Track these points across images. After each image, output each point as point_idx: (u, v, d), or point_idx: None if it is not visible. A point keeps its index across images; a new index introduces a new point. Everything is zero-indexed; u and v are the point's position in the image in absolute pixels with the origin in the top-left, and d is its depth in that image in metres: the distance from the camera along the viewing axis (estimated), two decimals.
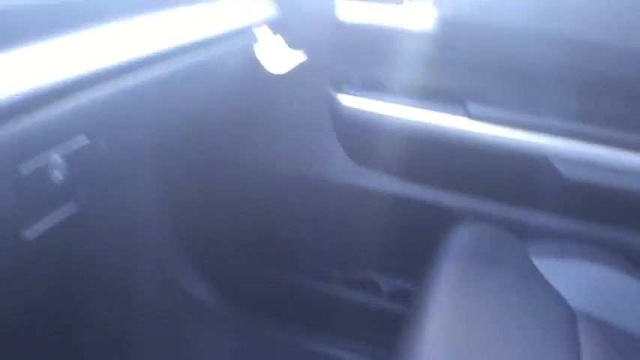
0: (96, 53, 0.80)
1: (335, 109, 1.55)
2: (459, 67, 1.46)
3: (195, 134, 1.23)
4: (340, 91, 1.55)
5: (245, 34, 1.25)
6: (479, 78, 1.47)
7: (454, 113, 1.46)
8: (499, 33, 1.36)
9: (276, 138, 1.62)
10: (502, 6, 1.34)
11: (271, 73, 1.27)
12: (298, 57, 1.39)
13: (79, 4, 0.80)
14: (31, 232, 0.74)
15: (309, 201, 1.66)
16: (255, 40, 1.27)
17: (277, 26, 1.39)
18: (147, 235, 1.61)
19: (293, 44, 1.42)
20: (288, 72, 1.34)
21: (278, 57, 1.34)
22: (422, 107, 1.49)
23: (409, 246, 1.61)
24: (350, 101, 1.54)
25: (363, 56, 1.53)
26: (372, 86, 1.55)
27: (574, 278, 1.25)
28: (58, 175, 0.75)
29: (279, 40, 1.38)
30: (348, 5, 1.46)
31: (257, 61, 1.25)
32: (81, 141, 0.78)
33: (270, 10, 1.38)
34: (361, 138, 1.58)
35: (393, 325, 1.18)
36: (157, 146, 1.04)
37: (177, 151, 1.21)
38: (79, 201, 0.82)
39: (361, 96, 1.54)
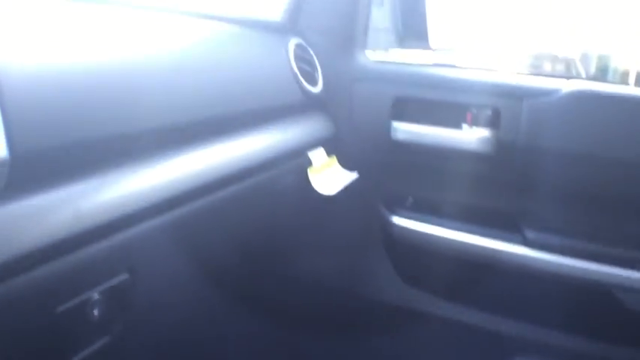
0: (142, 189, 0.81)
1: (387, 228, 1.53)
2: (516, 191, 1.43)
3: (246, 253, 1.23)
4: (393, 210, 1.53)
5: (300, 156, 1.26)
6: (535, 202, 1.43)
7: (510, 238, 1.42)
8: (558, 158, 1.34)
9: (327, 254, 1.61)
10: (561, 131, 1.32)
11: (322, 193, 1.27)
12: (352, 176, 1.39)
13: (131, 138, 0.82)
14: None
15: (357, 320, 1.62)
16: (310, 162, 1.27)
17: (332, 146, 1.40)
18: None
19: (347, 163, 1.42)
20: (342, 190, 1.33)
21: (332, 177, 1.34)
22: (476, 230, 1.45)
23: None
24: (402, 221, 1.52)
25: (416, 176, 1.52)
26: (425, 206, 1.53)
27: None
28: (94, 312, 0.74)
29: (333, 159, 1.39)
30: (403, 125, 1.46)
31: (309, 182, 1.25)
32: (121, 277, 0.77)
33: (325, 131, 1.40)
34: (413, 259, 1.55)
35: None
36: (201, 274, 1.03)
37: (225, 270, 1.20)
38: (114, 335, 0.81)
39: (414, 216, 1.52)
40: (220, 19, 1.13)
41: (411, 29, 1.76)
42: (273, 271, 1.50)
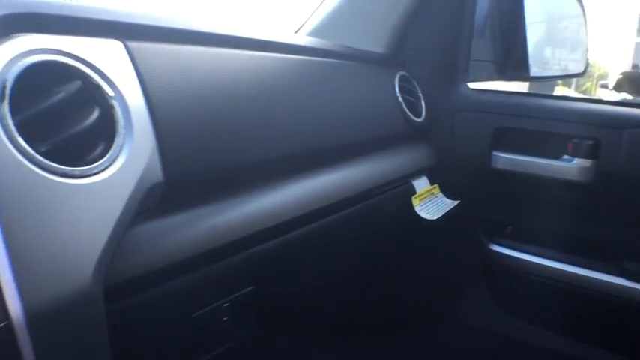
0: (268, 211, 0.90)
1: (486, 256, 1.56)
2: (615, 221, 1.43)
3: (350, 275, 1.30)
4: (492, 238, 1.56)
5: (404, 184, 1.33)
6: (635, 233, 1.42)
7: (609, 268, 1.42)
8: None
9: (424, 280, 1.65)
10: None
11: (426, 220, 1.32)
12: (453, 204, 1.44)
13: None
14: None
15: (453, 346, 1.65)
16: (413, 190, 1.34)
17: (434, 174, 1.46)
18: None
19: (448, 191, 1.48)
20: (442, 218, 1.38)
21: (434, 204, 1.40)
22: (575, 259, 1.47)
23: None
24: (501, 249, 1.55)
25: (516, 205, 1.55)
26: (524, 235, 1.55)
27: None
28: (224, 319, 0.84)
29: (435, 188, 1.44)
30: (503, 155, 1.50)
31: (412, 209, 1.31)
32: (247, 289, 0.86)
33: (428, 160, 1.46)
34: (511, 286, 1.57)
35: None
36: (314, 289, 1.12)
37: (332, 288, 1.27)
38: (239, 340, 0.90)
39: (513, 244, 1.54)
40: (332, 55, 1.22)
41: (512, 59, 1.79)
42: (372, 293, 1.57)
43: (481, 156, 1.49)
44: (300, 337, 1.20)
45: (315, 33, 1.56)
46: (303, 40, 1.20)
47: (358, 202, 1.14)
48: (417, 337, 1.67)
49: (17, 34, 0.66)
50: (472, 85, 1.63)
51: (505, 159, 1.48)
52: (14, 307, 0.55)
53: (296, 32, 1.65)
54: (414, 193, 1.34)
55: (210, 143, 0.81)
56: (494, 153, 1.48)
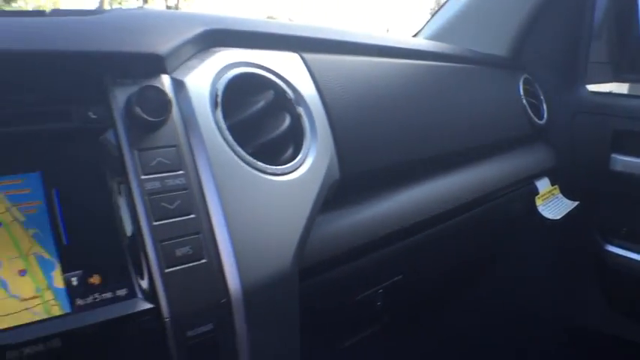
0: (415, 207, 0.99)
1: (601, 256, 1.58)
2: None
3: (473, 271, 1.37)
4: (607, 239, 1.58)
5: (528, 184, 1.38)
6: None
7: None
8: None
9: (539, 279, 1.69)
10: None
11: (546, 220, 1.37)
12: (573, 204, 1.48)
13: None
14: (347, 342, 0.93)
15: (565, 347, 1.68)
16: (536, 190, 1.39)
17: (555, 176, 1.50)
18: None
19: (567, 192, 1.51)
20: (561, 218, 1.43)
21: (555, 205, 1.44)
22: None
23: None
24: (617, 250, 1.57)
25: (633, 207, 1.56)
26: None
27: None
28: (378, 304, 0.93)
29: (556, 188, 1.49)
30: (622, 157, 1.52)
31: (535, 209, 1.36)
32: (397, 278, 0.95)
33: (549, 161, 1.50)
34: (625, 287, 1.59)
35: None
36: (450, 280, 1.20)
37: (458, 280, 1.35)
38: (382, 324, 0.99)
39: (629, 246, 1.56)
40: (460, 59, 1.28)
41: (628, 60, 1.79)
42: (487, 288, 1.62)
43: (600, 158, 1.51)
44: (426, 329, 1.28)
45: (436, 37, 1.63)
46: (435, 46, 1.27)
47: (487, 201, 1.20)
48: (524, 335, 1.71)
49: (217, 48, 0.77)
50: (590, 87, 1.64)
51: (624, 161, 1.50)
52: (234, 286, 0.65)
53: (414, 35, 1.72)
54: (537, 193, 1.39)
55: (373, 145, 0.90)
56: (614, 155, 1.51)
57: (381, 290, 0.92)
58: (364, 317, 0.93)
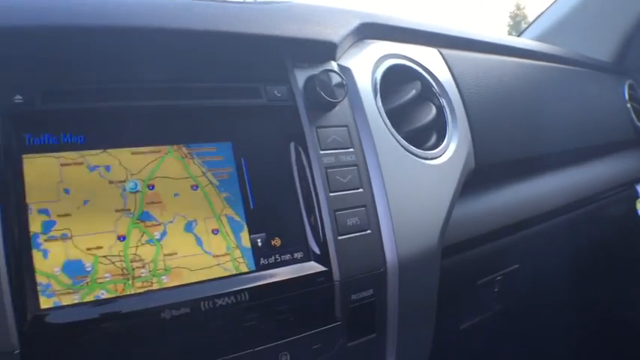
0: (535, 200, 1.02)
1: None
2: None
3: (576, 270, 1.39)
4: None
5: (629, 188, 1.39)
6: None
7: None
8: None
9: (628, 280, 1.69)
10: None
11: None
12: None
13: None
14: (464, 325, 0.97)
15: None
16: (637, 194, 1.40)
17: None
18: None
19: None
20: None
21: None
22: None
23: None
24: None
25: None
26: None
27: None
28: (495, 289, 0.97)
29: None
30: None
31: (636, 213, 1.37)
32: (514, 266, 0.99)
33: None
34: None
35: None
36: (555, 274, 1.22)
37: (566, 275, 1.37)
38: (493, 311, 1.03)
39: None
40: (570, 62, 1.31)
41: None
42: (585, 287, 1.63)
43: None
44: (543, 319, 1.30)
45: (540, 38, 1.65)
46: (550, 48, 1.30)
47: (590, 202, 1.23)
48: (620, 337, 1.71)
49: (370, 40, 0.82)
50: None
51: None
52: (390, 257, 0.70)
53: (518, 36, 1.75)
54: (638, 197, 1.40)
55: (501, 138, 0.94)
56: None
57: (499, 277, 0.96)
58: (482, 302, 0.97)
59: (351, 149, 0.69)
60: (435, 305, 0.78)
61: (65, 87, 0.59)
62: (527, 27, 1.70)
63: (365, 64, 0.76)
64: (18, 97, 0.57)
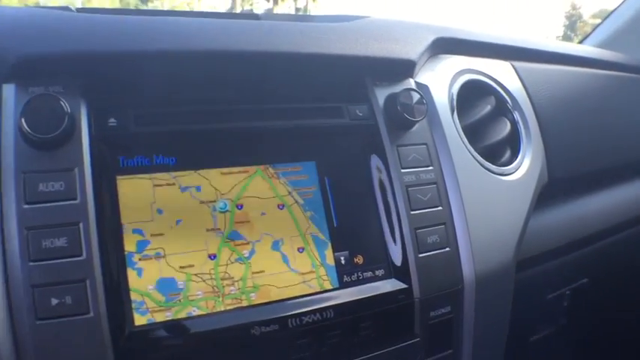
0: (601, 214, 1.01)
1: None
2: None
3: None
4: None
5: None
6: None
7: None
8: None
9: None
10: None
11: None
12: None
13: None
14: (533, 338, 0.96)
15: None
16: None
17: None
18: None
19: None
20: None
21: None
22: None
23: None
24: None
25: None
26: None
27: None
28: (564, 304, 0.96)
29: None
30: None
31: None
32: (583, 281, 0.98)
33: None
34: None
35: None
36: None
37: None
38: (557, 326, 1.02)
39: None
40: (635, 70, 1.28)
41: None
42: None
43: None
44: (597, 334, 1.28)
45: (604, 44, 1.61)
46: (619, 57, 1.27)
47: None
48: None
49: (444, 55, 0.82)
50: None
51: None
52: (468, 274, 0.70)
53: (581, 42, 1.71)
54: None
55: (575, 152, 0.93)
56: None
57: (568, 292, 0.95)
58: (551, 316, 0.96)
59: (431, 167, 0.69)
60: (508, 319, 0.77)
61: (157, 110, 0.61)
62: (591, 32, 1.67)
63: (441, 81, 0.76)
64: (112, 120, 0.59)
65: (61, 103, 0.55)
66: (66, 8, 0.68)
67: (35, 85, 0.58)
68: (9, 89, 0.57)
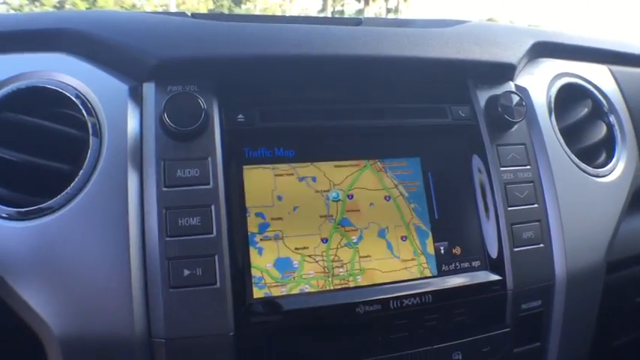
0: None
1: None
2: None
3: None
4: None
5: None
6: None
7: None
8: None
9: None
10: None
11: None
12: None
13: None
14: (617, 342, 0.97)
15: None
16: None
17: None
18: None
19: None
20: None
21: None
22: None
23: None
24: None
25: None
26: None
27: None
28: None
29: None
30: None
31: None
32: None
33: None
34: None
35: None
36: None
37: None
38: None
39: None
40: None
41: None
42: None
43: None
44: None
45: None
46: None
47: None
48: None
49: (542, 59, 0.85)
50: None
51: None
52: (559, 270, 0.73)
53: None
54: None
55: None
56: None
57: None
58: (637, 321, 0.97)
59: (528, 166, 0.73)
60: (595, 319, 0.79)
61: (279, 108, 0.68)
62: None
63: (540, 84, 0.79)
64: (240, 116, 0.66)
65: (199, 100, 0.62)
66: (182, 14, 0.76)
67: (173, 85, 0.65)
68: (149, 88, 0.66)
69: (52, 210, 0.59)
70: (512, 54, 0.77)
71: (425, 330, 0.67)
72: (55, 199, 0.60)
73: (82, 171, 0.61)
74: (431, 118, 0.71)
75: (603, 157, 0.83)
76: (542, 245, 0.71)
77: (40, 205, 0.60)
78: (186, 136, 0.63)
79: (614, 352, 1.02)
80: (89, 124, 0.62)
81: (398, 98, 0.71)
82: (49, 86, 0.64)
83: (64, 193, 0.60)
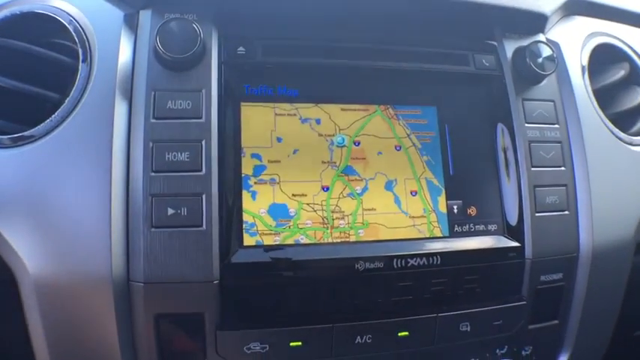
0: None
1: None
2: None
3: None
4: None
5: None
6: None
7: None
8: None
9: None
10: None
11: None
12: None
13: None
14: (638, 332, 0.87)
15: None
16: None
17: None
18: None
19: None
20: None
21: None
22: None
23: None
24: None
25: None
26: None
27: None
28: None
29: None
30: None
31: None
32: None
33: None
34: None
35: None
36: None
37: None
38: None
39: None
40: None
41: None
42: None
43: None
44: None
45: None
46: None
47: None
48: None
49: (577, 16, 0.76)
50: None
51: None
52: (585, 242, 0.64)
53: None
54: None
55: None
56: None
57: None
58: None
59: (557, 125, 0.64)
60: (620, 303, 0.71)
61: (283, 42, 0.60)
62: None
63: (574, 40, 0.71)
64: (241, 48, 0.58)
65: (195, 26, 0.55)
66: None
67: (171, 12, 0.58)
68: (145, 15, 0.59)
69: (33, 139, 0.54)
70: (545, 4, 0.68)
71: (431, 295, 0.59)
72: (36, 128, 0.54)
73: (68, 99, 0.55)
74: (451, 64, 0.63)
75: (638, 125, 0.74)
76: (567, 212, 0.63)
77: (23, 133, 0.54)
78: (180, 66, 0.56)
79: (633, 343, 0.92)
80: (80, 51, 0.56)
81: (416, 41, 0.63)
82: (43, 11, 0.58)
83: (47, 121, 0.54)
